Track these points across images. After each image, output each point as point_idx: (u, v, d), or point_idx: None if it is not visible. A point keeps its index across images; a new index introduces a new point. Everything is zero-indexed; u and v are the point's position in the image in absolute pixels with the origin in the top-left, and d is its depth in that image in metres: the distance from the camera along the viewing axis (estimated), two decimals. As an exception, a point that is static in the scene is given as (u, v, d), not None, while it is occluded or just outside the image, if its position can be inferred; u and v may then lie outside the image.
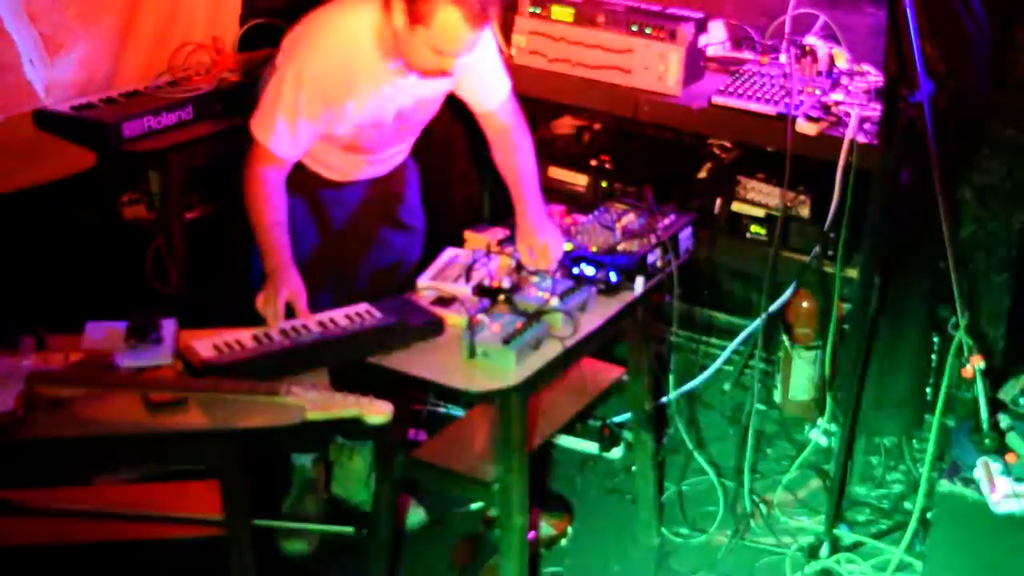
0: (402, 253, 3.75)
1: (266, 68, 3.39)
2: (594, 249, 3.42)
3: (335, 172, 3.52)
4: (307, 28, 3.27)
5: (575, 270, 3.36)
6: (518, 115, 3.58)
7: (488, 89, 3.52)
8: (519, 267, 3.38)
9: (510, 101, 3.56)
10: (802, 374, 4.11)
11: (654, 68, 4.00)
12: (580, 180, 4.29)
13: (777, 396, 4.23)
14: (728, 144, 4.21)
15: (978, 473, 3.15)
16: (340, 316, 3.14)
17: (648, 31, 4.00)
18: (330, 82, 3.23)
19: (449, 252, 3.46)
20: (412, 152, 3.73)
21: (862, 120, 3.68)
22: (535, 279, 3.32)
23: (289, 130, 3.24)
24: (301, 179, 3.41)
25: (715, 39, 4.21)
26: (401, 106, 3.39)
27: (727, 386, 4.45)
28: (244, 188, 3.28)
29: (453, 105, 3.59)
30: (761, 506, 3.95)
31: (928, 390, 3.95)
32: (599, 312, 3.30)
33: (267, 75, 3.34)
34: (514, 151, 3.55)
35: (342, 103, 3.27)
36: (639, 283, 3.36)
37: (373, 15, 3.20)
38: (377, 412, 2.82)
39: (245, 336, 3.03)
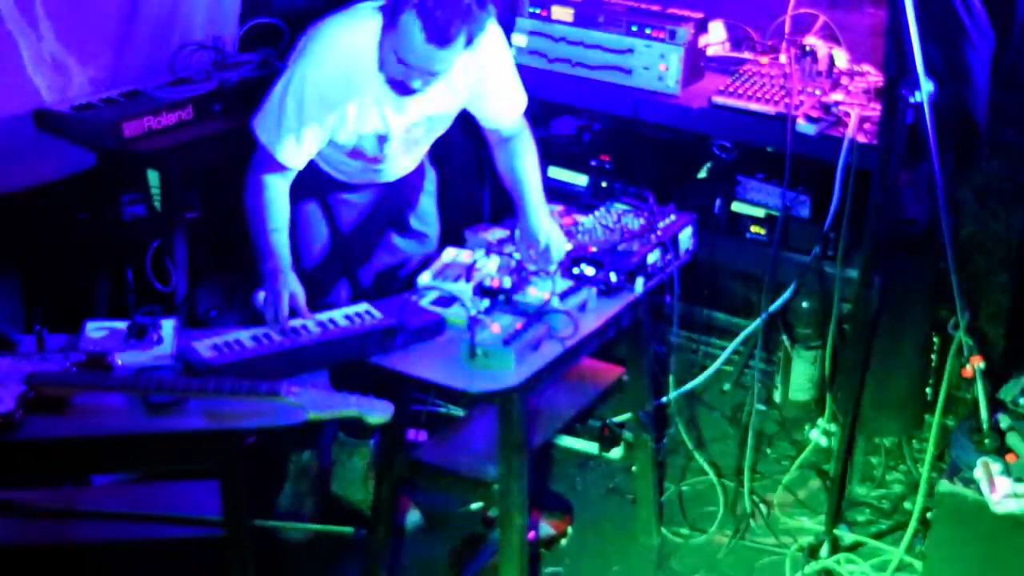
0: (406, 258, 3.74)
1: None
2: (594, 249, 3.42)
3: (344, 175, 3.53)
4: (317, 33, 3.26)
5: (575, 270, 3.36)
6: (525, 124, 3.56)
7: (499, 111, 3.49)
8: (519, 267, 3.38)
9: (520, 116, 3.55)
10: (802, 374, 4.11)
11: (654, 68, 4.00)
12: (580, 180, 4.29)
13: (777, 396, 4.23)
14: (728, 144, 4.21)
15: (978, 473, 3.15)
16: (340, 316, 3.14)
17: (648, 31, 4.00)
18: (333, 89, 3.22)
19: (449, 252, 3.47)
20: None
21: (862, 120, 3.69)
22: (535, 279, 3.32)
23: (295, 137, 3.24)
24: (314, 181, 3.41)
25: (715, 39, 4.21)
26: (408, 121, 3.37)
27: (727, 386, 4.45)
28: (246, 191, 3.28)
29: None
30: (761, 506, 3.95)
31: (928, 390, 3.95)
32: (599, 312, 3.30)
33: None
34: (518, 158, 3.53)
35: (343, 110, 3.26)
36: (639, 283, 3.36)
37: (380, 25, 3.19)
38: (377, 412, 2.82)
39: (245, 336, 3.04)
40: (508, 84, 3.47)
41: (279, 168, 3.28)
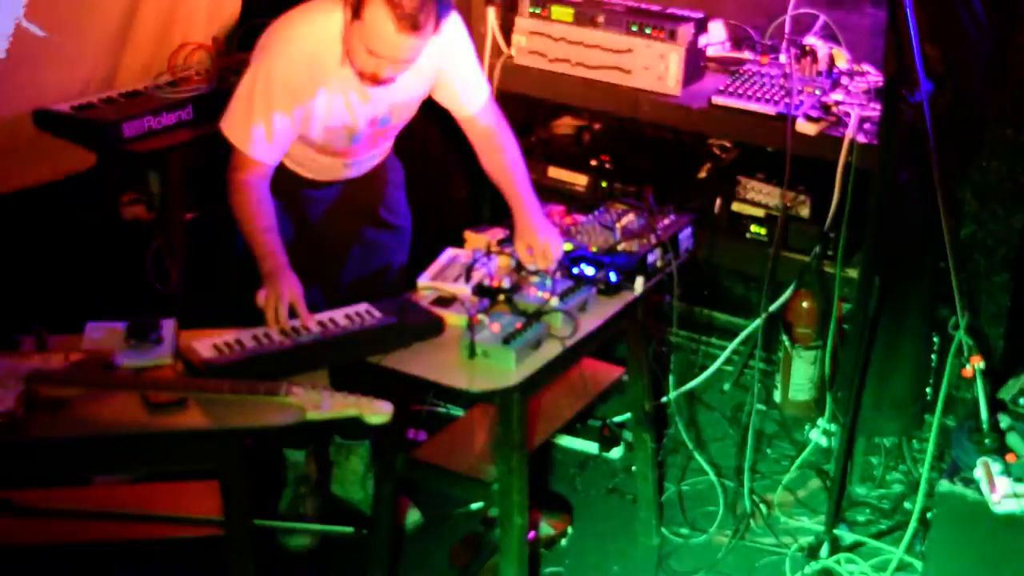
0: (389, 253, 3.74)
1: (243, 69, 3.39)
2: (594, 249, 3.42)
3: (312, 172, 3.52)
4: (276, 29, 3.26)
5: (575, 270, 3.36)
6: (501, 118, 3.56)
7: (466, 95, 3.49)
8: (519, 267, 3.38)
9: (491, 105, 3.55)
10: (802, 374, 4.11)
11: (654, 68, 4.00)
12: (580, 180, 4.29)
13: (777, 396, 4.23)
14: (728, 144, 4.21)
15: (978, 473, 3.15)
16: (340, 316, 3.14)
17: (648, 31, 4.00)
18: (298, 82, 3.21)
19: (449, 252, 3.46)
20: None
21: (862, 120, 3.68)
22: (535, 279, 3.32)
23: (266, 134, 3.23)
24: (279, 177, 3.40)
25: (715, 39, 4.21)
26: (374, 113, 3.37)
27: (727, 386, 4.45)
28: (230, 198, 3.27)
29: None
30: (761, 506, 3.95)
31: (928, 390, 3.95)
32: (599, 312, 3.30)
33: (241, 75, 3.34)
34: (501, 153, 3.53)
35: (310, 104, 3.26)
36: (639, 283, 3.36)
37: (342, 18, 3.19)
38: (377, 412, 2.82)
39: (245, 336, 3.04)
40: (472, 65, 3.48)
41: (254, 167, 3.26)
